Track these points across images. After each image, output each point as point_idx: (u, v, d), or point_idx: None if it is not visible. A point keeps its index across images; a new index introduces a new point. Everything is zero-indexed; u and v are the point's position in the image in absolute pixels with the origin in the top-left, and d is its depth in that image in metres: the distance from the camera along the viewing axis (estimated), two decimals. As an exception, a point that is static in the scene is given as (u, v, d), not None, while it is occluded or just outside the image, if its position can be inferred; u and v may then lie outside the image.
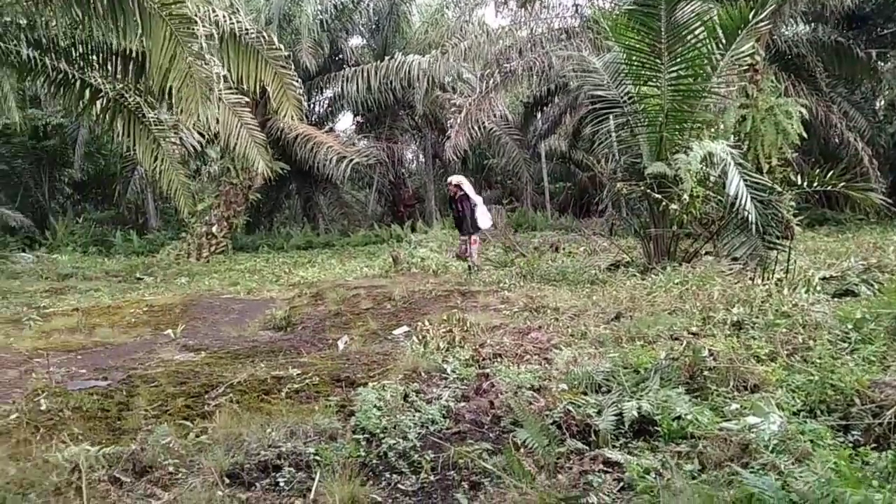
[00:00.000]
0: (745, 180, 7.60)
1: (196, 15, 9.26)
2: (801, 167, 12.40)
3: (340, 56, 24.44)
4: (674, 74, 8.97)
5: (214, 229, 18.32)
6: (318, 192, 25.67)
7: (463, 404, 3.97)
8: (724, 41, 8.62)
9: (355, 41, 25.89)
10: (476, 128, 18.71)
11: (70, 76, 11.42)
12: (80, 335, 7.08)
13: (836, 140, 17.48)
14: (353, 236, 22.17)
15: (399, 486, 3.05)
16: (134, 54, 10.55)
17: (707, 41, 8.61)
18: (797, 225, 8.18)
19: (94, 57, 11.13)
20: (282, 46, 12.42)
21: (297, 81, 12.88)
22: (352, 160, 19.52)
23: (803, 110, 12.88)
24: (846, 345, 4.38)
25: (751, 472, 2.69)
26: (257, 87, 12.23)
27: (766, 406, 3.33)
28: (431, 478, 3.10)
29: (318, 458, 3.23)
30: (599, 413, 3.52)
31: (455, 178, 10.86)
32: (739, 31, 8.47)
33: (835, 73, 18.04)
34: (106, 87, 11.74)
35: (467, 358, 4.99)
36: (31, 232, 22.64)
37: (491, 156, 28.08)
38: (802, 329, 4.77)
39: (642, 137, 9.38)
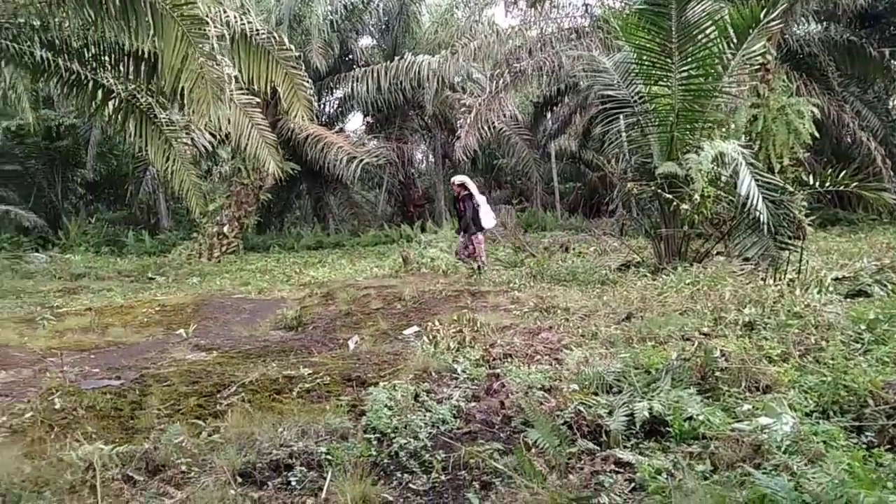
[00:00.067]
0: (756, 180, 7.57)
1: (207, 15, 9.30)
2: (812, 167, 12.36)
3: (350, 56, 24.51)
4: (685, 74, 8.94)
5: (226, 229, 18.41)
6: (328, 193, 25.75)
7: (473, 404, 3.97)
8: (735, 40, 8.59)
9: (365, 41, 25.98)
10: (486, 128, 18.70)
11: (83, 77, 11.49)
12: (93, 335, 7.14)
13: (849, 139, 17.37)
14: (363, 236, 22.22)
15: (410, 485, 3.05)
16: (146, 55, 10.59)
17: (718, 40, 8.58)
18: (809, 225, 8.13)
19: (107, 58, 11.19)
20: (292, 47, 12.46)
21: (308, 82, 12.91)
22: (362, 160, 19.57)
23: (815, 110, 12.81)
24: (859, 345, 4.35)
25: (763, 473, 2.67)
26: (268, 88, 12.28)
27: (779, 407, 3.31)
28: (442, 477, 3.10)
29: (329, 457, 3.24)
30: (610, 413, 3.51)
31: (458, 178, 10.85)
32: (751, 31, 8.43)
33: (847, 72, 17.91)
34: (118, 87, 11.80)
35: (477, 358, 4.99)
36: (44, 232, 22.82)
37: (501, 156, 28.06)
38: (815, 330, 4.75)
39: (653, 137, 9.36)
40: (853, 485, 2.46)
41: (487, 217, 10.26)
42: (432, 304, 7.56)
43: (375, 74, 20.64)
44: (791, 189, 7.83)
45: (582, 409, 3.60)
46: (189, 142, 14.34)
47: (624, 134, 9.66)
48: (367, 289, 8.94)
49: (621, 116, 9.64)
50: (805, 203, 7.85)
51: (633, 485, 2.87)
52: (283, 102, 13.00)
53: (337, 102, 24.57)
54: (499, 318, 6.41)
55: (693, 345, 4.56)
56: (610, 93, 9.86)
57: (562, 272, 9.63)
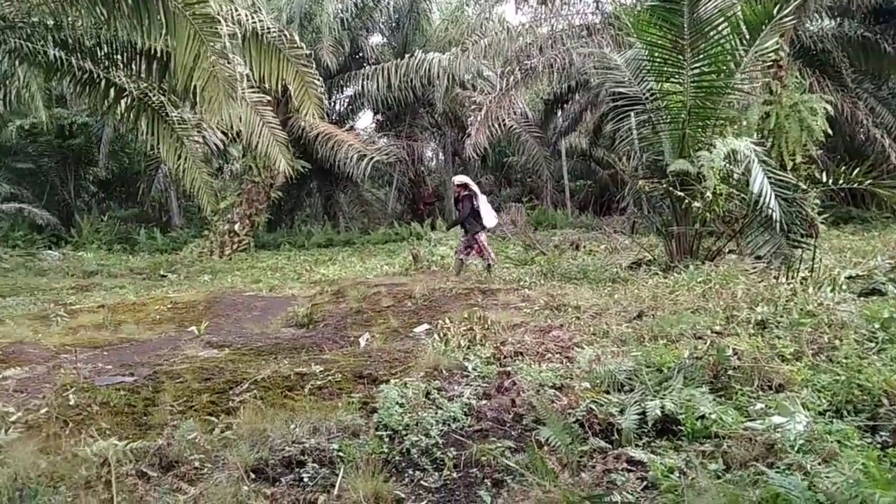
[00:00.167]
0: (768, 178, 7.51)
1: (219, 14, 9.34)
2: (825, 164, 12.26)
3: (361, 54, 24.54)
4: (696, 71, 8.89)
5: (237, 227, 18.51)
6: (338, 191, 25.83)
7: (485, 402, 3.97)
8: (747, 37, 8.54)
9: (375, 39, 26.02)
10: (496, 125, 18.68)
11: (95, 75, 11.57)
12: (106, 331, 7.20)
13: (862, 137, 17.23)
14: (373, 234, 22.28)
15: (422, 482, 3.06)
16: (158, 54, 10.65)
17: (730, 37, 8.52)
18: (822, 223, 8.07)
19: (119, 56, 11.28)
20: (303, 45, 12.51)
21: (318, 80, 12.95)
22: (372, 158, 19.62)
23: (828, 107, 12.71)
24: (873, 344, 4.31)
25: (776, 472, 2.66)
26: (279, 86, 12.33)
27: (792, 406, 3.29)
28: (454, 475, 3.10)
29: (341, 454, 3.26)
30: (622, 412, 3.51)
31: (458, 179, 10.78)
32: (763, 27, 8.38)
33: (861, 68, 17.74)
34: (130, 86, 11.88)
35: (488, 356, 4.99)
36: (57, 230, 23.02)
37: (511, 153, 28.02)
38: (828, 328, 4.71)
39: (664, 134, 9.31)
40: (868, 484, 2.44)
41: (488, 216, 10.23)
42: (443, 302, 7.57)
43: (386, 72, 20.67)
44: (804, 186, 7.78)
45: (594, 407, 3.59)
46: (200, 140, 14.43)
47: (635, 131, 9.61)
48: (378, 287, 8.96)
49: (632, 114, 9.59)
50: (818, 201, 7.80)
51: (645, 483, 2.86)
52: (294, 100, 13.07)
53: (347, 100, 24.64)
54: (509, 316, 6.40)
55: (705, 343, 4.54)
56: (621, 90, 9.82)
57: (572, 270, 9.62)
